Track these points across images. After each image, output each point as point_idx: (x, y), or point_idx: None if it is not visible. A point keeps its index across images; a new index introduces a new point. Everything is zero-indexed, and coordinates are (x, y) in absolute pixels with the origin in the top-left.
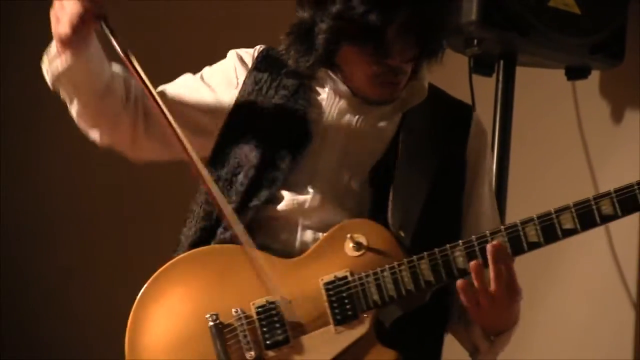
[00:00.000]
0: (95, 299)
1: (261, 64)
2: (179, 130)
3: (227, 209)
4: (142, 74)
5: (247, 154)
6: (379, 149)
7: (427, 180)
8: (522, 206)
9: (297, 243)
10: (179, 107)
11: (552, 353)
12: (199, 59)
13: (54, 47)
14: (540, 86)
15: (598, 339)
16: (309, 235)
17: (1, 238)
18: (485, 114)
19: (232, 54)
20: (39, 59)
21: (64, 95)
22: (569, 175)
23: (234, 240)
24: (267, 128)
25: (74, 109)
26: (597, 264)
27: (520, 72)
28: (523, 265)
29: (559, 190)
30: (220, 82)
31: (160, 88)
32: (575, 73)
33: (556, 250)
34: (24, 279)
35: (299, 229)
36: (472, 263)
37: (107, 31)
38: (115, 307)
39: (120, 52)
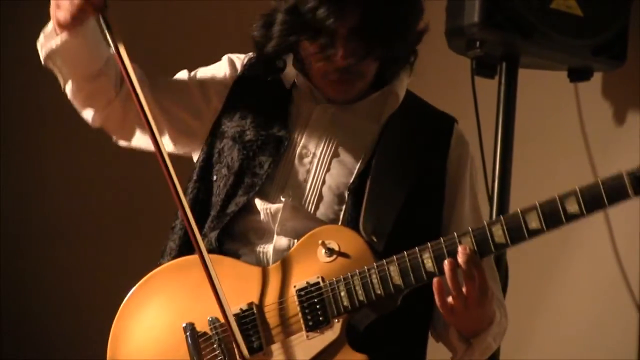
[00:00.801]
0: (95, 298)
1: (247, 71)
2: (156, 132)
3: (191, 221)
4: (130, 71)
5: (231, 160)
6: (356, 157)
7: (404, 189)
8: (523, 205)
9: (272, 250)
10: (168, 103)
11: (555, 354)
12: (198, 59)
13: (50, 25)
14: (543, 88)
15: (602, 339)
16: (284, 242)
17: (1, 238)
18: (487, 115)
19: (225, 58)
20: (39, 59)
21: (57, 73)
22: (572, 177)
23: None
24: (249, 135)
25: (67, 88)
26: (600, 265)
27: (523, 73)
28: (527, 266)
29: (560, 189)
30: (210, 86)
31: (155, 81)
32: (578, 75)
33: (559, 251)
34: (24, 278)
35: (274, 236)
36: (446, 261)
37: (103, 23)
38: (116, 306)
39: (112, 44)
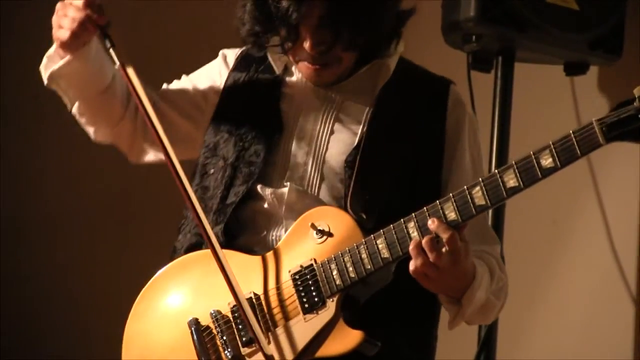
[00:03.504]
0: (94, 298)
1: (240, 64)
2: (165, 140)
3: (199, 213)
4: (137, 85)
5: (227, 152)
6: (353, 132)
7: (400, 158)
8: (521, 201)
9: (283, 235)
10: (170, 115)
11: (552, 347)
12: (195, 57)
13: (53, 47)
14: (539, 82)
15: (598, 334)
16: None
17: (0, 237)
18: (483, 110)
19: (219, 55)
20: (39, 58)
21: (62, 95)
22: (568, 170)
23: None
24: (244, 126)
25: (74, 109)
26: (597, 259)
27: (519, 68)
28: (523, 261)
29: (557, 185)
30: (205, 85)
31: (155, 93)
32: (574, 69)
33: (556, 246)
34: (23, 278)
35: (283, 221)
36: (424, 241)
37: (106, 41)
38: (115, 305)
39: (117, 62)
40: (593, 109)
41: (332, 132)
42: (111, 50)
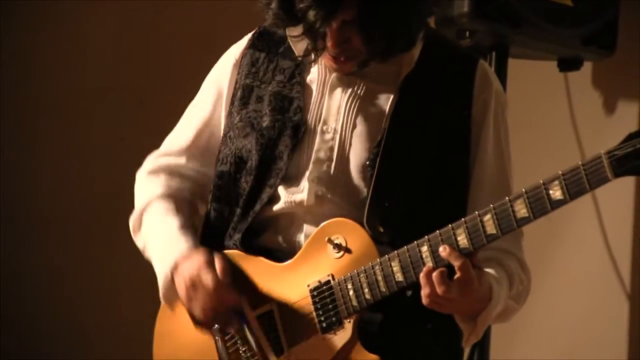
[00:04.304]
0: (93, 297)
1: (258, 40)
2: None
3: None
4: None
5: (249, 151)
6: (374, 129)
7: (423, 158)
8: None
9: (304, 239)
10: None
11: (547, 344)
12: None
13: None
14: (533, 78)
15: (592, 331)
16: (313, 230)
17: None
18: None
19: (224, 56)
20: (38, 58)
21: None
22: (562, 167)
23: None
24: (265, 121)
25: None
26: (591, 257)
27: (513, 63)
28: None
29: None
30: (212, 96)
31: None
32: (568, 64)
33: (550, 244)
34: (22, 278)
35: (303, 225)
36: (435, 275)
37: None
38: (113, 305)
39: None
40: (587, 104)
41: (354, 126)
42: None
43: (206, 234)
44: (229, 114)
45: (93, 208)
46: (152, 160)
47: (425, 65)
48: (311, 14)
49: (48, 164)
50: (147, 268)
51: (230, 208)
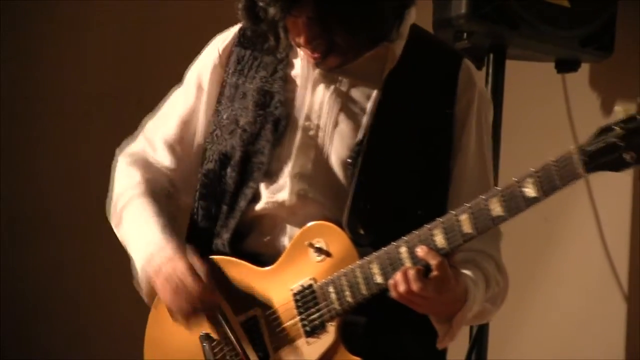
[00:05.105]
0: (93, 297)
1: (243, 37)
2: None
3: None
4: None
5: (233, 147)
6: (355, 127)
7: (405, 158)
8: None
9: (287, 242)
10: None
11: (544, 346)
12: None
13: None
14: (530, 79)
15: (590, 332)
16: (297, 232)
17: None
18: None
19: (210, 45)
20: (38, 58)
21: None
22: None
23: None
24: (249, 116)
25: None
26: (589, 257)
27: (510, 65)
28: (514, 259)
29: None
30: (194, 88)
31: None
32: (565, 66)
33: (548, 244)
34: (22, 278)
35: (287, 227)
36: (411, 272)
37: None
38: (113, 305)
39: (232, 337)
40: (584, 106)
41: (336, 123)
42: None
43: (194, 234)
44: (216, 112)
45: (93, 208)
46: (134, 147)
47: (409, 63)
48: (270, 11)
49: (48, 165)
50: None
51: (217, 206)
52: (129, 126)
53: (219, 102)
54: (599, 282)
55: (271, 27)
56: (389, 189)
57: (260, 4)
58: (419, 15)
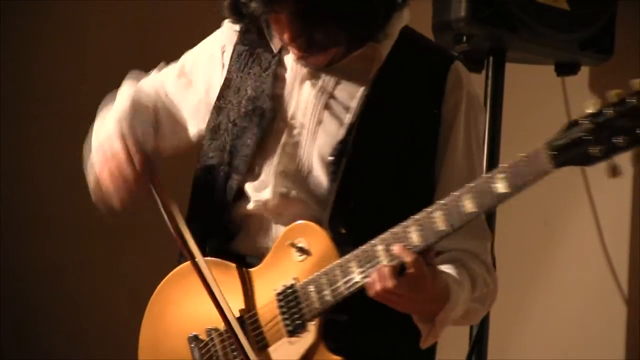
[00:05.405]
0: (93, 298)
1: (244, 36)
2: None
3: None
4: (183, 228)
5: (225, 142)
6: (339, 124)
7: (390, 158)
8: (513, 202)
9: (272, 243)
10: (174, 126)
11: (544, 350)
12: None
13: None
14: (530, 82)
15: (590, 335)
16: (282, 231)
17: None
18: None
19: (225, 26)
20: (38, 58)
21: None
22: (560, 173)
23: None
24: (240, 111)
25: None
26: (589, 260)
27: (510, 68)
28: (514, 263)
29: (549, 186)
30: (204, 74)
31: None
32: (565, 69)
33: (548, 247)
34: (22, 279)
35: (272, 228)
36: (385, 269)
37: (155, 194)
38: (113, 306)
39: (167, 219)
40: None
41: (320, 122)
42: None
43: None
44: (216, 109)
45: (93, 209)
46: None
47: (398, 63)
48: (252, 6)
49: (48, 165)
50: (147, 269)
51: (209, 204)
52: None
53: (219, 98)
54: (599, 285)
55: (253, 22)
56: (372, 188)
57: (243, 1)
58: (419, 18)
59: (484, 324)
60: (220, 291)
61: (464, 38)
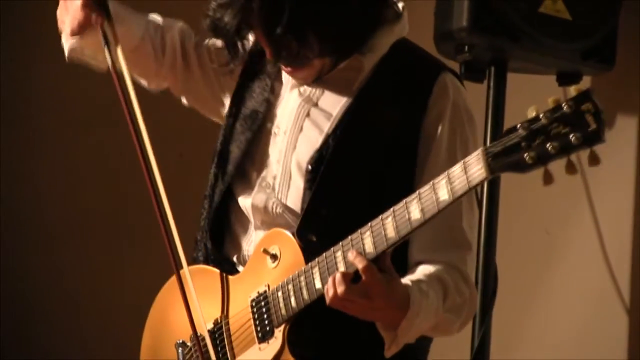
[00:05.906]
0: (93, 300)
1: (255, 46)
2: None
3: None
4: (127, 78)
5: (222, 145)
6: (319, 133)
7: (368, 168)
8: (514, 210)
9: (252, 252)
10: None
11: (545, 357)
12: None
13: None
14: (532, 92)
15: (592, 344)
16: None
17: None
18: (476, 119)
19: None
20: (38, 58)
21: (88, 60)
22: (561, 180)
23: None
24: (239, 117)
25: (107, 66)
26: (590, 269)
27: (512, 78)
28: (516, 269)
29: (550, 195)
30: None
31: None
32: (567, 79)
33: (549, 256)
34: (22, 280)
35: (254, 235)
36: (336, 276)
37: (102, 35)
38: (113, 308)
39: (109, 59)
40: None
41: (301, 130)
42: (106, 49)
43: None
44: (226, 119)
45: (94, 210)
46: None
47: (385, 74)
48: (224, 22)
49: (48, 166)
50: (147, 269)
51: (205, 205)
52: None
53: (229, 108)
54: (600, 293)
55: (228, 38)
56: (346, 197)
57: (217, 15)
58: (421, 28)
59: (485, 333)
60: (191, 297)
61: (466, 48)
